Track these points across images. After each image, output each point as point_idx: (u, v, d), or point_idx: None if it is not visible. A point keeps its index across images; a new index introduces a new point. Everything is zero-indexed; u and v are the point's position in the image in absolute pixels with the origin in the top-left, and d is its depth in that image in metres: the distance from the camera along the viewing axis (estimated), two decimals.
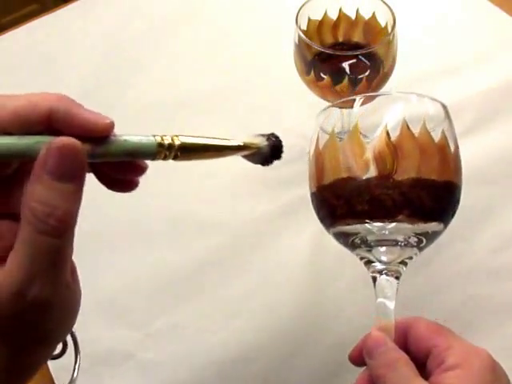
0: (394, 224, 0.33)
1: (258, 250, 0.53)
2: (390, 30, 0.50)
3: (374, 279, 0.35)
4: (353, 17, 0.54)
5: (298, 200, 0.55)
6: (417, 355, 0.33)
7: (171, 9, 0.79)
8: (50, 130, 0.26)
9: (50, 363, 0.47)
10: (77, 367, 0.46)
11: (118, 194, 0.32)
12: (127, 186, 0.32)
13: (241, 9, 0.78)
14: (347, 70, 0.50)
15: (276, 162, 0.60)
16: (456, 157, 0.35)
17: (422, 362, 0.32)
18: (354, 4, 0.53)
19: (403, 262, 0.35)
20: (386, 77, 0.51)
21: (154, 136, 0.28)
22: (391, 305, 0.34)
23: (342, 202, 0.34)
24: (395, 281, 0.34)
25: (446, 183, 0.34)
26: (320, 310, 0.50)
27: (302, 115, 0.63)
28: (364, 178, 0.34)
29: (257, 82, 0.68)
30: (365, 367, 0.34)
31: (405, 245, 0.34)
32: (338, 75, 0.50)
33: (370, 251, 0.35)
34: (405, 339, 0.34)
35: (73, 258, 0.28)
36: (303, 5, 0.52)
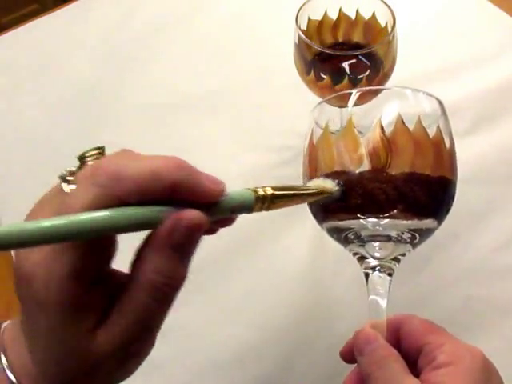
0: (387, 220, 0.33)
1: (257, 250, 0.53)
2: (389, 29, 0.50)
3: (367, 276, 0.35)
4: (353, 17, 0.54)
5: None
6: (409, 352, 0.33)
7: (171, 9, 0.79)
8: (165, 196, 0.26)
9: None
10: None
11: None
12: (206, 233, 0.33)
13: (241, 9, 0.78)
14: (347, 69, 0.50)
15: (275, 162, 0.60)
16: (451, 153, 0.35)
17: (413, 360, 0.32)
18: (354, 4, 0.53)
19: (396, 259, 0.35)
20: (385, 77, 0.51)
21: (249, 189, 0.28)
22: (383, 302, 0.34)
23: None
24: (388, 277, 0.34)
25: (440, 178, 0.34)
26: (319, 311, 0.50)
27: (302, 115, 0.63)
28: (357, 171, 0.34)
29: (257, 82, 0.68)
30: (355, 365, 0.34)
31: (398, 240, 0.34)
32: (338, 75, 0.50)
33: (363, 246, 0.35)
34: (397, 336, 0.34)
35: None
36: (303, 5, 0.52)
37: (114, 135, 0.63)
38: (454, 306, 0.49)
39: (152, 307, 0.26)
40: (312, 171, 0.36)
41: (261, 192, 0.28)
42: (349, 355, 0.34)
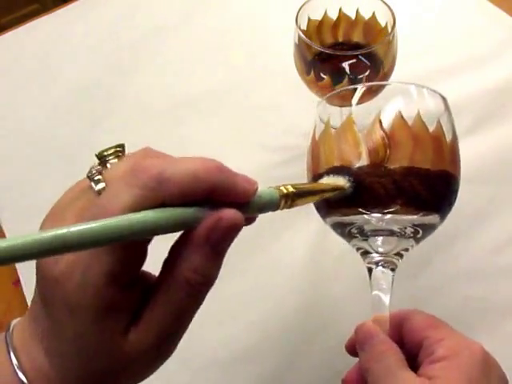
0: (391, 215, 0.33)
1: (258, 250, 0.53)
2: (389, 29, 0.50)
3: (370, 271, 0.35)
4: (353, 17, 0.54)
5: None
6: (410, 347, 0.33)
7: (171, 9, 0.79)
8: (203, 197, 0.26)
9: None
10: None
11: None
12: None
13: (241, 9, 0.78)
14: (347, 69, 0.50)
15: (276, 162, 0.60)
16: (453, 147, 0.35)
17: (415, 354, 0.32)
18: (354, 4, 0.53)
19: (399, 254, 0.35)
20: (385, 77, 0.51)
21: (274, 188, 0.29)
22: (386, 297, 0.34)
23: None
24: (391, 273, 0.34)
25: (440, 172, 0.34)
26: (320, 310, 0.50)
27: (302, 115, 0.63)
28: (356, 166, 0.34)
29: (257, 82, 0.68)
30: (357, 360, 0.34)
31: (401, 235, 0.34)
32: (338, 75, 0.50)
33: (366, 241, 0.35)
34: (399, 331, 0.34)
35: None
36: (303, 5, 0.52)
37: (114, 135, 0.63)
38: (453, 306, 0.49)
39: (186, 306, 0.27)
40: (315, 167, 0.36)
41: (284, 190, 0.29)
42: (353, 348, 0.34)
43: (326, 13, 0.54)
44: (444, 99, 0.36)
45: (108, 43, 0.75)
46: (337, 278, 0.51)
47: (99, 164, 0.28)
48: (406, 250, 0.35)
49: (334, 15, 0.54)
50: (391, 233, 0.34)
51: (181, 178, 0.25)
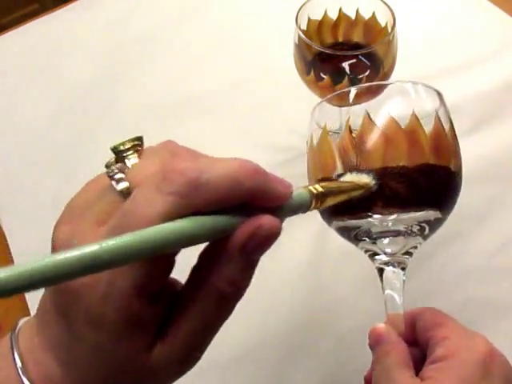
0: (394, 215, 0.33)
1: None
2: (389, 30, 0.50)
3: (381, 271, 0.35)
4: (353, 17, 0.54)
5: None
6: (422, 346, 0.33)
7: (171, 9, 0.79)
8: (239, 202, 0.24)
9: None
10: None
11: None
12: None
13: (241, 9, 0.78)
14: (347, 69, 0.50)
15: (275, 162, 0.60)
16: (435, 138, 0.34)
17: (426, 354, 0.32)
18: (354, 4, 0.53)
19: (408, 253, 0.35)
20: (385, 77, 0.51)
21: (304, 188, 0.27)
22: (399, 296, 0.34)
23: None
24: (401, 272, 0.34)
25: (419, 167, 0.33)
26: (320, 312, 0.50)
27: (302, 115, 0.63)
28: (334, 176, 0.34)
29: (257, 83, 0.68)
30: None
31: (408, 234, 0.34)
32: (338, 75, 0.50)
33: (374, 243, 0.35)
34: (413, 331, 0.34)
35: None
36: (303, 5, 0.52)
37: (113, 135, 0.63)
38: (453, 306, 0.49)
39: (217, 317, 0.25)
40: (310, 177, 0.37)
41: (313, 190, 0.27)
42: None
43: (325, 13, 0.54)
44: (439, 94, 0.36)
45: (108, 43, 0.75)
46: (337, 279, 0.51)
47: (116, 160, 0.26)
48: (415, 247, 0.35)
49: (334, 15, 0.54)
50: (398, 233, 0.34)
51: (219, 182, 0.22)
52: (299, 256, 0.53)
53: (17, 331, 0.27)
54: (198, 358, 0.27)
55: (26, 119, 0.68)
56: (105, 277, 0.23)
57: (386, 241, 0.34)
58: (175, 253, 0.24)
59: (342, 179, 0.34)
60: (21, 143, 0.66)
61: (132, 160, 0.26)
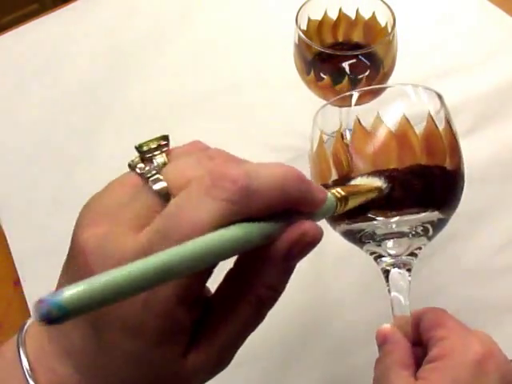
0: (397, 217, 0.33)
1: None
2: (389, 30, 0.50)
3: (387, 273, 0.35)
4: (353, 17, 0.54)
5: None
6: (425, 346, 0.33)
7: (171, 8, 0.79)
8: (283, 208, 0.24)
9: None
10: None
11: None
12: None
13: (241, 9, 0.78)
14: (347, 69, 0.50)
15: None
16: (427, 138, 0.34)
17: None
18: (354, 4, 0.53)
19: (413, 254, 0.35)
20: (385, 77, 0.51)
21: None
22: (405, 298, 0.34)
23: None
24: (407, 273, 0.34)
25: (410, 169, 0.33)
26: (318, 312, 0.50)
27: (302, 115, 0.63)
28: (330, 182, 0.35)
29: (257, 82, 0.68)
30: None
31: (413, 235, 0.34)
32: (338, 75, 0.50)
33: (379, 246, 0.35)
34: (418, 330, 0.34)
35: None
36: (303, 5, 0.52)
37: (114, 135, 0.63)
38: (453, 306, 0.49)
39: (253, 322, 0.25)
40: (313, 180, 0.37)
41: (337, 194, 0.28)
42: None
43: (326, 13, 0.54)
44: (439, 96, 0.36)
45: (108, 43, 0.75)
46: (336, 280, 0.51)
47: (141, 159, 0.25)
48: (420, 248, 0.35)
49: (334, 15, 0.54)
50: (402, 234, 0.34)
51: (268, 190, 0.22)
52: None
53: (23, 335, 0.25)
54: (228, 363, 0.26)
55: (26, 119, 0.68)
56: None
57: (390, 243, 0.34)
58: None
59: (353, 183, 0.34)
60: (21, 143, 0.66)
61: (159, 159, 0.25)
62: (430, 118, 0.34)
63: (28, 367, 0.24)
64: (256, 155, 0.66)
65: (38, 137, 0.66)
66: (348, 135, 0.35)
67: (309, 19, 0.53)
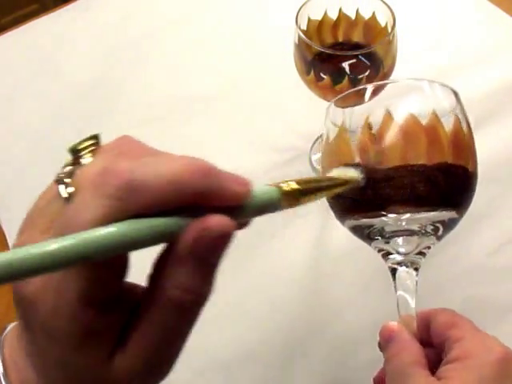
0: (408, 214, 0.33)
1: (258, 249, 0.53)
2: (389, 30, 0.50)
3: (394, 271, 0.34)
4: (353, 17, 0.54)
5: None
6: (438, 348, 0.33)
7: (171, 9, 0.79)
8: (185, 203, 0.22)
9: None
10: None
11: None
12: None
13: (241, 9, 0.78)
14: (347, 69, 0.50)
15: (275, 162, 0.60)
16: (454, 137, 0.34)
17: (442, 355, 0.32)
18: (354, 4, 0.53)
19: (421, 253, 0.34)
20: (385, 77, 0.51)
21: (273, 186, 0.25)
22: (412, 297, 0.34)
23: (340, 199, 0.34)
24: (414, 272, 0.34)
25: (438, 166, 0.33)
26: (319, 312, 0.50)
27: (302, 115, 0.63)
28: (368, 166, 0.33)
29: (257, 82, 0.68)
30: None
31: (422, 234, 0.34)
32: (338, 75, 0.50)
33: (387, 243, 0.34)
34: (428, 331, 0.34)
35: None
36: (303, 5, 0.52)
37: (113, 135, 0.63)
38: (453, 306, 0.49)
39: (175, 326, 0.24)
40: (323, 168, 0.37)
41: (286, 187, 0.25)
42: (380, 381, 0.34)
43: (325, 13, 0.54)
44: (456, 93, 0.35)
45: (108, 43, 0.75)
46: (336, 280, 0.51)
47: (73, 162, 0.25)
48: (428, 247, 0.35)
49: (334, 15, 0.54)
50: (412, 232, 0.34)
51: (157, 185, 0.21)
52: (299, 256, 0.53)
53: (3, 335, 0.26)
54: (166, 371, 0.25)
55: (26, 119, 0.68)
56: (52, 286, 0.22)
57: (399, 240, 0.34)
58: (122, 259, 0.23)
59: (328, 174, 0.33)
60: (21, 143, 0.66)
61: (86, 160, 0.25)
62: (456, 117, 0.34)
63: (2, 367, 0.25)
64: (256, 155, 0.66)
65: (38, 136, 0.66)
66: (374, 126, 0.34)
67: (309, 19, 0.53)
